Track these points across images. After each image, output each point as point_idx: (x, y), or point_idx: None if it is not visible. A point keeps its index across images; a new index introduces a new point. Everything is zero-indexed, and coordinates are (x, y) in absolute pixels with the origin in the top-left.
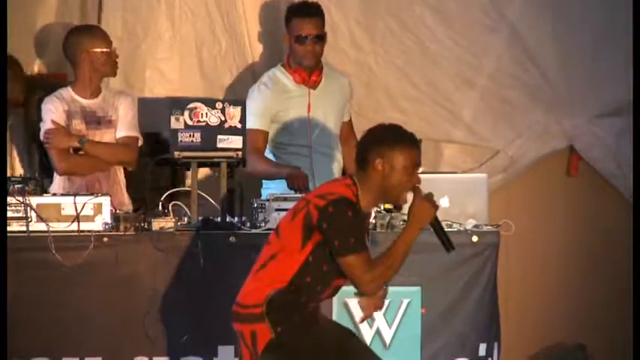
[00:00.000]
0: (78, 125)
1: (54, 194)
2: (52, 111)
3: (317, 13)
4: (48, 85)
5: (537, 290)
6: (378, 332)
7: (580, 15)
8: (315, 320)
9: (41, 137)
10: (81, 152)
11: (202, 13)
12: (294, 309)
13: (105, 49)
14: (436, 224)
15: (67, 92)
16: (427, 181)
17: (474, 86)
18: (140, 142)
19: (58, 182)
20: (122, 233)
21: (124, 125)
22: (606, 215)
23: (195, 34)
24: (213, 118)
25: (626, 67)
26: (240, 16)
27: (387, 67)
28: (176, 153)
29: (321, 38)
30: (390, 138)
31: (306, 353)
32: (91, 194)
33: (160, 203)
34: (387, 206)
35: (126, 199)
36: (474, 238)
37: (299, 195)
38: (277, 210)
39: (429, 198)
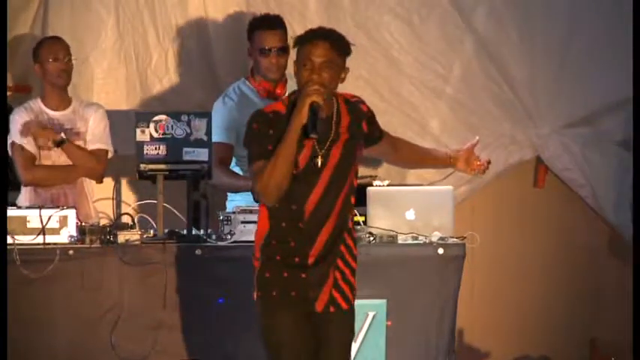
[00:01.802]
0: None
1: (19, 207)
2: (19, 122)
3: (279, 25)
4: (15, 97)
5: (502, 302)
6: None
7: (547, 25)
8: (290, 306)
9: (9, 150)
10: (48, 162)
11: (139, 25)
12: (277, 276)
13: (51, 60)
14: (312, 110)
15: (36, 104)
16: (393, 193)
17: (441, 96)
18: (110, 155)
19: (24, 194)
20: (88, 246)
21: (94, 137)
22: (573, 227)
23: (134, 46)
24: (178, 130)
25: (591, 77)
26: (205, 28)
27: (352, 77)
28: (142, 165)
29: (284, 50)
30: (295, 41)
31: (264, 330)
32: (57, 207)
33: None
34: (355, 218)
35: (92, 211)
36: (440, 251)
37: None
38: (243, 222)
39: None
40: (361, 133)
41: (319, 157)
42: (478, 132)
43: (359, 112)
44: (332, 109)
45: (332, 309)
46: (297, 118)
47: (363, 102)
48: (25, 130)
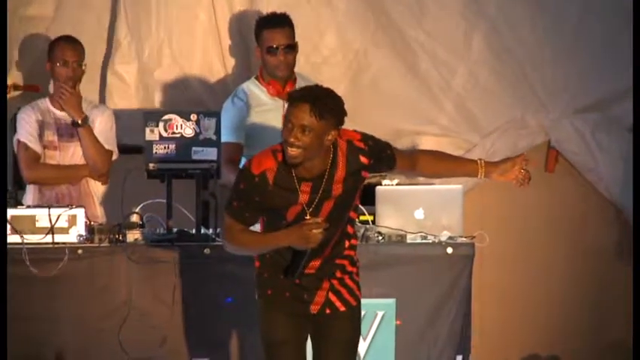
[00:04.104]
0: (50, 136)
1: (28, 206)
2: (26, 120)
3: (286, 23)
4: (24, 96)
5: (512, 301)
6: None
7: (558, 12)
8: (284, 305)
9: (14, 148)
10: (52, 162)
11: (150, 22)
12: (271, 279)
13: (59, 64)
14: (300, 254)
15: (44, 103)
16: (402, 192)
17: (455, 80)
18: (115, 157)
19: (29, 193)
20: (97, 245)
21: (100, 139)
22: (585, 220)
23: (146, 43)
24: (187, 129)
25: (602, 63)
26: (214, 28)
27: (374, 60)
28: (151, 165)
29: (292, 48)
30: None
31: (261, 329)
32: (66, 206)
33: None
34: (363, 217)
35: (99, 211)
36: (449, 250)
37: None
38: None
39: (311, 233)
40: (359, 180)
41: (307, 214)
42: (488, 115)
43: (357, 164)
44: (327, 163)
45: (328, 311)
46: (285, 241)
47: (365, 150)
48: (59, 92)
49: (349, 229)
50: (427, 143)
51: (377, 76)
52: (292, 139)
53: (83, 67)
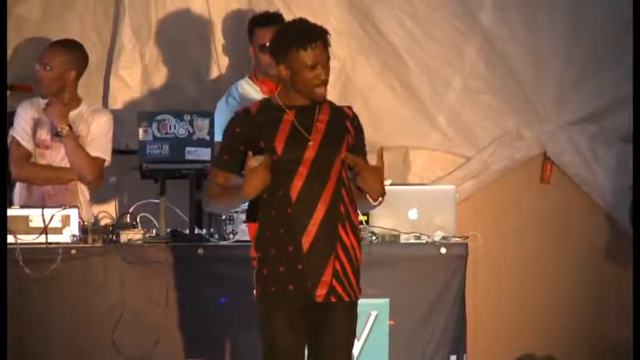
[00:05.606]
0: (43, 135)
1: (22, 206)
2: (22, 117)
3: (279, 21)
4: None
5: (506, 301)
6: None
7: (553, 22)
8: (288, 303)
9: (8, 143)
10: (43, 161)
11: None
12: (274, 272)
13: (36, 68)
14: None
15: (43, 101)
16: (396, 192)
17: (448, 92)
18: (106, 164)
19: (17, 190)
20: (90, 245)
21: (92, 144)
22: (579, 224)
23: (144, 44)
24: (181, 130)
25: (598, 74)
26: (209, 28)
27: (363, 72)
28: (144, 165)
29: None
30: (285, 44)
31: (261, 329)
32: (59, 206)
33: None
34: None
35: (87, 214)
36: (442, 250)
37: None
38: (245, 222)
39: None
40: (346, 131)
41: (310, 141)
42: (484, 127)
43: (341, 113)
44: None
45: (333, 299)
46: (241, 193)
47: (351, 117)
48: (46, 105)
49: (343, 193)
50: (420, 157)
51: (366, 88)
52: (324, 77)
53: (64, 74)
